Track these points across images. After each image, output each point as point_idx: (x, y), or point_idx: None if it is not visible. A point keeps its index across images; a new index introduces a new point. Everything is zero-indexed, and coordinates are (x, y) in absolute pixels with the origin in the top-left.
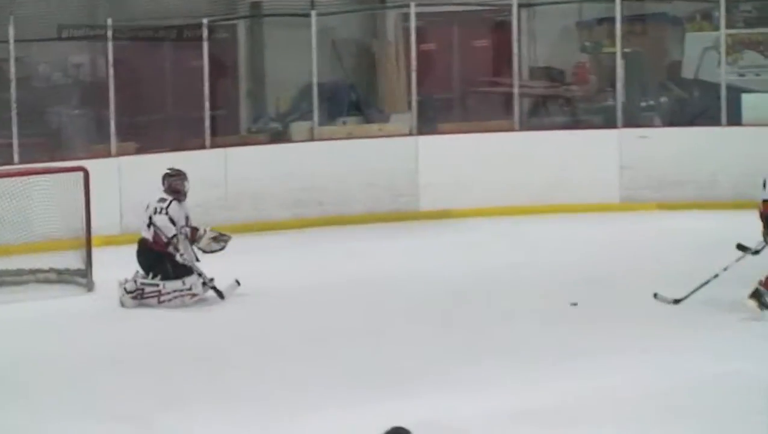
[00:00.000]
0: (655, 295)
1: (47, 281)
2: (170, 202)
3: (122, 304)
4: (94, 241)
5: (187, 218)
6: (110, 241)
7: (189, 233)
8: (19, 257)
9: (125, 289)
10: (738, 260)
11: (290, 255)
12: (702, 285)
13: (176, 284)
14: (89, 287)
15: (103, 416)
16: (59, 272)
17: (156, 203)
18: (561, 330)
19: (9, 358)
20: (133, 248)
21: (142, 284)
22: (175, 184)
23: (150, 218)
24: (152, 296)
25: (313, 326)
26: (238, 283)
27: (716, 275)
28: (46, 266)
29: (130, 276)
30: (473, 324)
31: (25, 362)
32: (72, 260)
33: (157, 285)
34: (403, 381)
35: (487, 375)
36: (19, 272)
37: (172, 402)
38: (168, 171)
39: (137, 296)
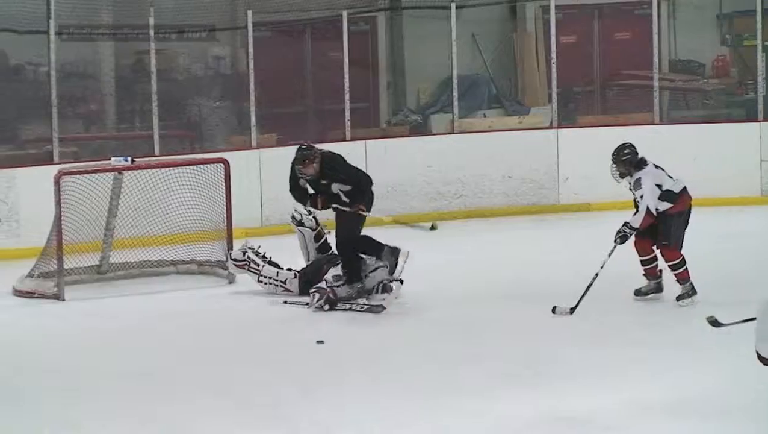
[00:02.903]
0: (553, 309)
1: (188, 272)
2: None
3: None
4: (234, 233)
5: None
6: (251, 233)
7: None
8: (161, 249)
9: (231, 256)
10: (610, 254)
11: (430, 248)
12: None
13: (272, 271)
14: (230, 279)
15: (245, 405)
16: (200, 263)
17: None
18: (689, 322)
19: (149, 348)
20: (273, 240)
21: (249, 258)
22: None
23: None
24: (253, 273)
25: (455, 318)
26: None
27: (596, 275)
28: (187, 258)
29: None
30: (600, 314)
31: (164, 353)
32: (213, 252)
33: (258, 265)
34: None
35: (613, 363)
36: (161, 264)
37: (322, 395)
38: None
39: (243, 266)
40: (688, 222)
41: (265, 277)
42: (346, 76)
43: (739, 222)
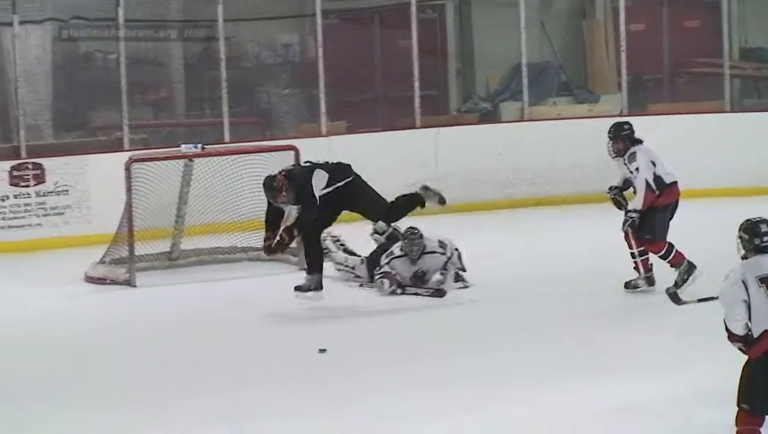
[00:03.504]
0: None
1: (259, 259)
2: None
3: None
4: None
5: None
6: None
7: None
8: (231, 235)
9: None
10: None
11: (501, 235)
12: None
13: (341, 257)
14: (301, 265)
15: (302, 389)
16: None
17: None
18: None
19: (220, 335)
20: (343, 227)
21: (326, 245)
22: None
23: None
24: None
25: (524, 311)
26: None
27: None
28: (258, 244)
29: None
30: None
31: (235, 340)
32: None
33: (331, 251)
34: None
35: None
36: (232, 250)
37: (389, 387)
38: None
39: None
40: (672, 216)
41: (337, 263)
42: (416, 63)
43: None
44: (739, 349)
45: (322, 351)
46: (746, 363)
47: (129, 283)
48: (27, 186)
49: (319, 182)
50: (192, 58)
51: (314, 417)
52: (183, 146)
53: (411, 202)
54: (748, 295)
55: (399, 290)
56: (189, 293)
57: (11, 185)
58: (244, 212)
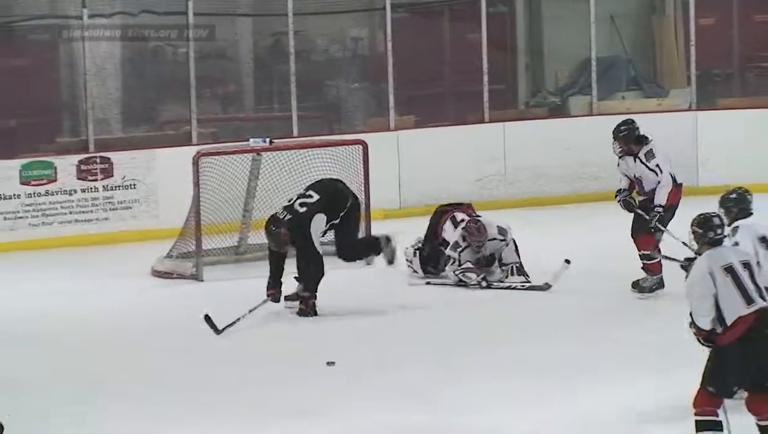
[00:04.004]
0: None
1: (325, 253)
2: None
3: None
4: (373, 214)
5: None
6: (389, 214)
7: None
8: None
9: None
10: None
11: (570, 230)
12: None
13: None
14: (369, 261)
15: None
16: None
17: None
18: None
19: (287, 329)
20: (412, 221)
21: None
22: None
23: None
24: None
25: (592, 306)
26: (567, 262)
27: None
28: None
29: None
30: None
31: (302, 334)
32: None
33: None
34: None
35: None
36: None
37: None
38: None
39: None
40: (672, 217)
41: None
42: (485, 57)
43: None
44: (702, 342)
45: (330, 363)
46: (716, 348)
47: (196, 278)
48: (95, 180)
49: (319, 228)
50: (261, 52)
51: (391, 411)
52: (251, 140)
53: (369, 249)
54: (716, 287)
55: (484, 283)
56: (256, 288)
57: (79, 179)
58: None
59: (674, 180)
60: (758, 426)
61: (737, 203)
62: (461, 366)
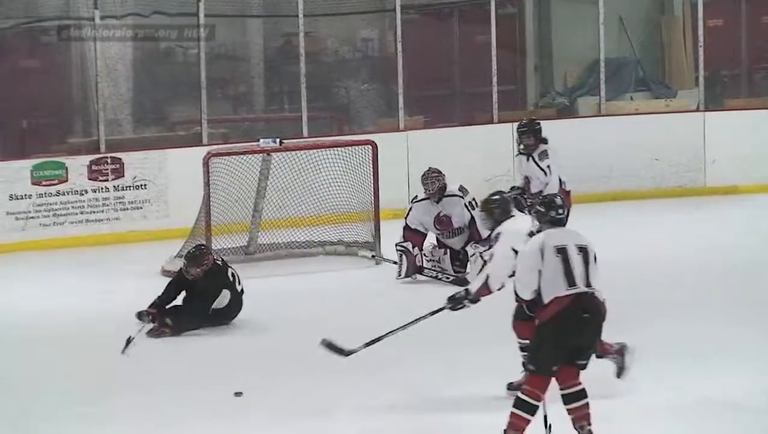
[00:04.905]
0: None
1: (336, 253)
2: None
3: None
4: (381, 214)
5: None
6: (398, 214)
7: None
8: (308, 229)
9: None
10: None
11: (577, 228)
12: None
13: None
14: (377, 260)
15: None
16: (348, 244)
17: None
18: None
19: (298, 329)
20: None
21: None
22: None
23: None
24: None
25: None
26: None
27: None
28: (334, 239)
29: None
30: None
31: (312, 334)
32: (360, 233)
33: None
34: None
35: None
36: (308, 244)
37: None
38: None
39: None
40: None
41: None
42: (494, 58)
43: None
44: (528, 311)
45: (238, 394)
46: (537, 327)
47: None
48: (106, 180)
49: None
50: (271, 53)
51: (400, 411)
52: (261, 140)
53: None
54: (543, 264)
55: (415, 276)
56: (265, 288)
57: (90, 179)
58: (322, 206)
59: (562, 185)
60: (561, 395)
61: (502, 207)
62: (466, 364)
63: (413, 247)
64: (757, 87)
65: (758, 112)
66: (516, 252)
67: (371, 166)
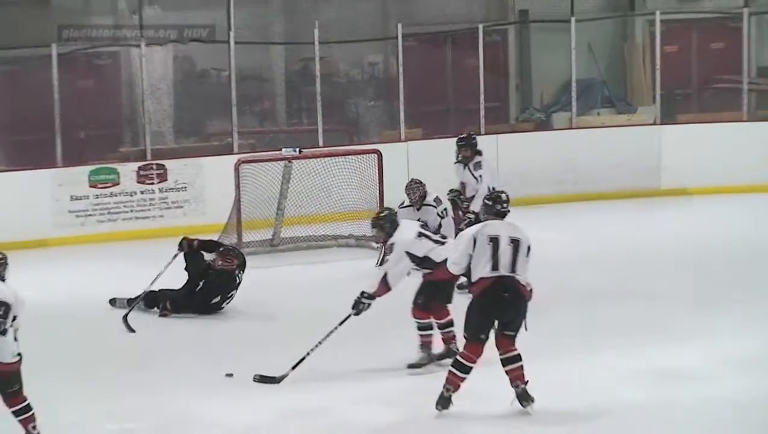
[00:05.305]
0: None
1: (347, 245)
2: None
3: None
4: None
5: None
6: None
7: None
8: (323, 225)
9: None
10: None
11: (552, 225)
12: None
13: None
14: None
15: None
16: (357, 238)
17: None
18: None
19: (316, 311)
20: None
21: None
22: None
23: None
24: None
25: (578, 285)
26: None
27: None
28: (346, 233)
29: None
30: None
31: (329, 317)
32: (368, 228)
33: None
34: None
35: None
36: (324, 238)
37: None
38: None
39: None
40: None
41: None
42: (481, 79)
43: None
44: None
45: (229, 375)
46: (469, 303)
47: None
48: (152, 184)
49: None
50: (292, 75)
51: (405, 408)
52: (284, 149)
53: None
54: (474, 249)
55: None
56: (288, 274)
57: (138, 182)
58: (335, 205)
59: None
60: (500, 359)
61: (390, 221)
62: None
63: None
64: (705, 104)
65: (707, 125)
66: (409, 255)
67: (377, 171)
